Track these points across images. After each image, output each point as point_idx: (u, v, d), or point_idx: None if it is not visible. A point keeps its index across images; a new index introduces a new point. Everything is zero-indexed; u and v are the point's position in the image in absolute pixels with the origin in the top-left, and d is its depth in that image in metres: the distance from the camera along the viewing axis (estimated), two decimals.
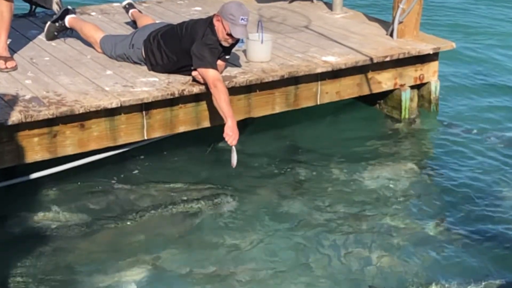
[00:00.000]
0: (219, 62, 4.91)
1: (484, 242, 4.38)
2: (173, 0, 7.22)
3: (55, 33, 5.75)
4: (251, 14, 5.28)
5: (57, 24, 5.71)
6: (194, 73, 4.85)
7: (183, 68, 4.98)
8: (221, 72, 4.95)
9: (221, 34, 4.80)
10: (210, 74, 4.70)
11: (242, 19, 4.74)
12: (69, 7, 5.81)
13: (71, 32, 5.76)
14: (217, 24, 4.81)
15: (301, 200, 4.75)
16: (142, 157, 5.22)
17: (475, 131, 5.95)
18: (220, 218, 4.55)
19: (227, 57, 5.03)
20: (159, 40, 5.03)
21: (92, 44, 5.54)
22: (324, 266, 4.10)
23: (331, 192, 4.90)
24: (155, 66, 5.09)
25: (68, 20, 5.68)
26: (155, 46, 5.04)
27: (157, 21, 5.63)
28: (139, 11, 6.02)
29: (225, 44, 4.87)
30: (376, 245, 4.31)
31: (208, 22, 4.85)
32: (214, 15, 4.87)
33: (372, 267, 4.10)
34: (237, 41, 4.98)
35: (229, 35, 4.78)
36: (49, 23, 5.76)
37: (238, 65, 5.29)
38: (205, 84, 4.84)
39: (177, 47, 4.93)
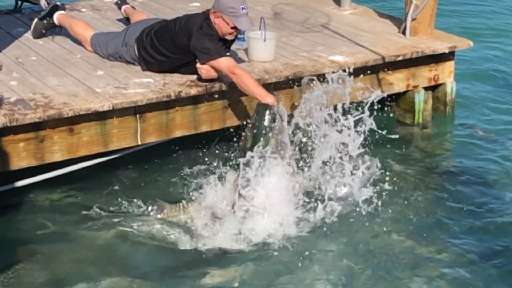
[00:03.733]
0: None
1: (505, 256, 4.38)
2: None
3: (43, 31, 5.76)
4: (252, 10, 5.30)
5: (45, 21, 5.73)
6: (198, 65, 4.85)
7: (180, 67, 5.00)
8: (218, 73, 4.94)
9: (224, 29, 4.82)
10: (222, 63, 4.71)
11: (243, 8, 4.79)
12: (58, 3, 5.83)
13: (59, 30, 5.78)
14: (217, 21, 4.81)
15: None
16: (133, 165, 5.20)
17: (494, 136, 5.93)
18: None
19: (227, 55, 5.03)
20: (153, 38, 5.03)
21: (82, 43, 5.54)
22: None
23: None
24: (150, 65, 5.08)
25: (57, 17, 5.70)
26: (149, 43, 5.04)
27: (151, 17, 5.63)
28: (133, 7, 6.03)
29: (230, 37, 4.91)
30: (386, 261, 4.32)
31: (204, 17, 4.86)
32: (209, 11, 4.88)
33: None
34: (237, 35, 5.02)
35: (234, 28, 4.81)
36: (36, 20, 5.77)
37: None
38: (204, 84, 4.88)
39: (171, 44, 4.94)
